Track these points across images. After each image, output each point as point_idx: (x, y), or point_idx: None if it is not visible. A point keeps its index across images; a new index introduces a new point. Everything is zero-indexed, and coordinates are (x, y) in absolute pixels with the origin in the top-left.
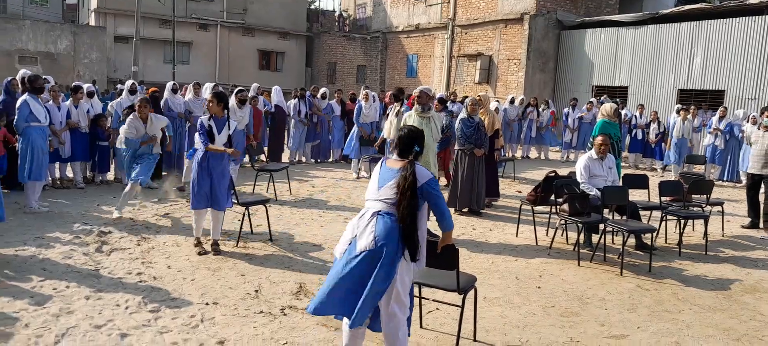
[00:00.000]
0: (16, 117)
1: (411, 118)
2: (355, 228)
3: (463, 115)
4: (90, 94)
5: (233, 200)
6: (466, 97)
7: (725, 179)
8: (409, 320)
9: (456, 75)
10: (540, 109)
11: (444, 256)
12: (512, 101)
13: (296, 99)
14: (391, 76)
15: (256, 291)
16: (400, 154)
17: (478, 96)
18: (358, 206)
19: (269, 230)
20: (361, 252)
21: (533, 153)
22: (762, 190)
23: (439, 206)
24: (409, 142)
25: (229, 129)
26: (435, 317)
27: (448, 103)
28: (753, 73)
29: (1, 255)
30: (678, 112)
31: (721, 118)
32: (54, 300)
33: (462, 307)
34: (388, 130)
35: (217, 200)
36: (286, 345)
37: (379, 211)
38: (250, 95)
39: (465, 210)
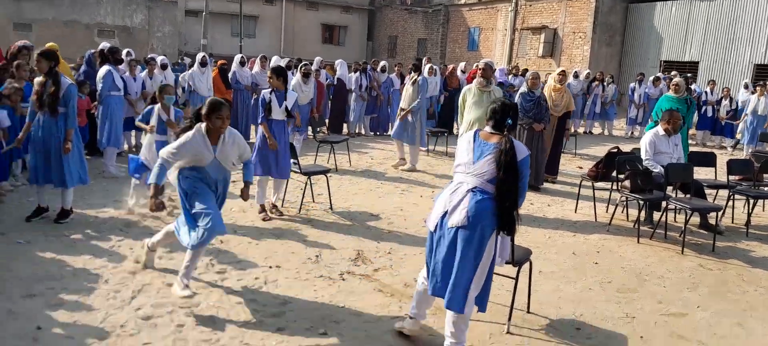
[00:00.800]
0: (100, 86)
1: (470, 92)
2: (447, 203)
3: (523, 89)
4: (163, 66)
5: (296, 170)
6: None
7: None
8: (484, 296)
9: (519, 48)
10: (605, 84)
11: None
12: (576, 76)
13: (357, 72)
14: (452, 50)
15: (317, 256)
16: (494, 127)
17: (561, 71)
18: (414, 179)
19: (330, 199)
20: (453, 228)
21: (597, 129)
22: None
23: (523, 185)
24: (503, 115)
25: (288, 102)
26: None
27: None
28: None
29: (84, 216)
30: (746, 87)
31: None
32: (130, 259)
33: (516, 279)
34: (405, 99)
35: (279, 168)
36: (343, 308)
37: (475, 187)
38: (313, 69)
39: None
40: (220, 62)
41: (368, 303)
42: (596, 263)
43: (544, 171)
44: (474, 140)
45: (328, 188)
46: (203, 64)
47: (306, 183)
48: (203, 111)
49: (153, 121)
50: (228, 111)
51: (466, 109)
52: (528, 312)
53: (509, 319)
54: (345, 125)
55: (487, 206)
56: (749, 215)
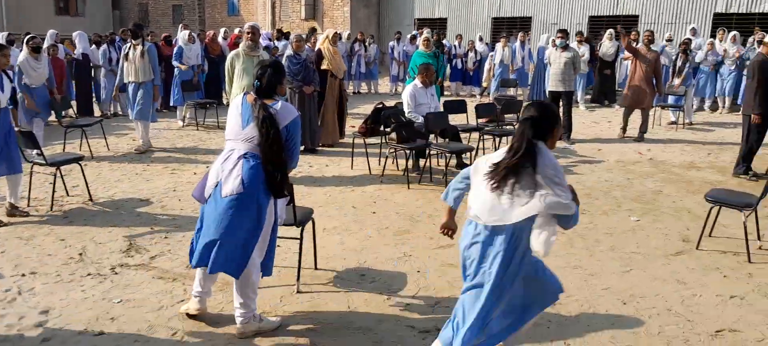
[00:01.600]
0: None
1: (239, 57)
2: (219, 172)
3: (288, 52)
4: None
5: (40, 162)
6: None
7: (535, 98)
8: (269, 261)
9: (281, 12)
10: (367, 44)
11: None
12: (340, 37)
13: (103, 45)
14: (212, 16)
15: (80, 254)
16: (257, 91)
17: (334, 33)
18: (185, 156)
19: (88, 190)
20: (226, 197)
21: (364, 88)
22: (561, 105)
23: (294, 148)
24: (263, 77)
25: (12, 82)
26: (277, 253)
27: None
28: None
29: None
30: (480, 39)
31: (522, 43)
32: None
33: (301, 239)
34: (129, 72)
35: (7, 162)
36: (120, 303)
37: (246, 153)
38: (46, 44)
39: (301, 149)
40: None
41: (148, 293)
42: (374, 213)
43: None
44: (242, 105)
45: (85, 178)
46: None
47: (55, 175)
48: None
49: None
50: None
51: (235, 76)
52: (316, 269)
53: (298, 278)
54: (96, 106)
55: (261, 171)
56: (497, 150)
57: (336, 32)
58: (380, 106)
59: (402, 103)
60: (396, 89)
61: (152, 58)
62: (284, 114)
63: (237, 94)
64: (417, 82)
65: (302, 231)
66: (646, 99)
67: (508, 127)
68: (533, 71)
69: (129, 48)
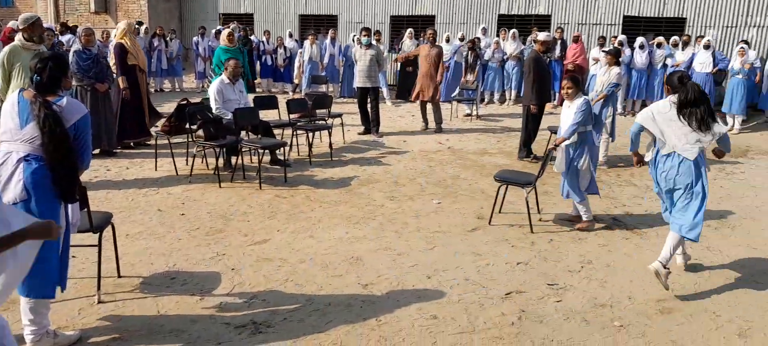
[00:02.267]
0: None
1: (15, 52)
2: None
3: (76, 47)
4: None
5: None
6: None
7: (346, 95)
8: (64, 272)
9: (66, 4)
10: (168, 39)
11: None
12: (138, 33)
13: None
14: None
15: None
16: (37, 87)
17: (137, 22)
18: None
19: None
20: (8, 206)
21: (167, 86)
22: (369, 100)
23: (85, 148)
24: (35, 70)
25: None
26: (72, 264)
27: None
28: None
29: None
30: (290, 36)
31: (332, 40)
32: None
33: (99, 246)
34: None
35: None
36: None
37: (28, 155)
38: None
39: (96, 152)
40: None
41: None
42: (183, 215)
43: (136, 136)
44: (19, 103)
45: None
46: None
47: None
48: None
49: None
50: None
51: (13, 72)
52: (119, 277)
53: (98, 288)
54: None
55: (46, 173)
56: (310, 146)
57: (134, 23)
58: (184, 102)
59: (208, 99)
60: (203, 86)
61: None
62: (71, 111)
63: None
64: (224, 77)
65: (100, 237)
66: (431, 92)
67: (320, 122)
68: (343, 68)
69: None
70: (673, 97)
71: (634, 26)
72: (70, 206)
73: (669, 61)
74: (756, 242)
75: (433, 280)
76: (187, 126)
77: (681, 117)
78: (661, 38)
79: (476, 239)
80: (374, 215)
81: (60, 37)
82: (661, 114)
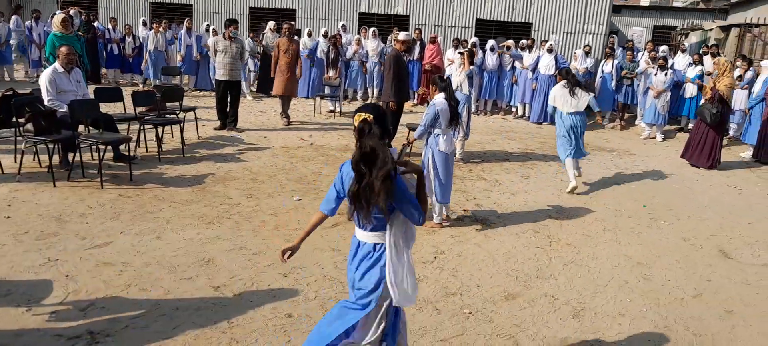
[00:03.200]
0: None
1: None
2: None
3: None
4: None
5: None
6: None
7: (199, 87)
8: None
9: None
10: None
11: None
12: None
13: None
14: None
15: None
16: None
17: None
18: None
19: None
20: None
21: None
22: (229, 95)
23: None
24: None
25: None
26: None
27: None
28: None
29: None
30: (144, 24)
31: (188, 30)
32: None
33: None
34: None
35: None
36: None
37: None
38: None
39: None
40: None
41: None
42: (8, 217)
43: None
44: None
45: None
46: None
47: None
48: None
49: None
50: None
51: None
52: None
53: None
54: None
55: None
56: (160, 141)
57: None
58: (10, 92)
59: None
60: (36, 76)
61: None
62: None
63: None
64: (57, 66)
65: None
66: (294, 87)
67: (170, 116)
68: (200, 60)
69: None
70: (563, 82)
71: (485, 29)
72: None
73: (517, 64)
74: (590, 230)
75: (290, 278)
76: (14, 119)
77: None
78: (510, 42)
79: (335, 235)
80: (229, 214)
81: None
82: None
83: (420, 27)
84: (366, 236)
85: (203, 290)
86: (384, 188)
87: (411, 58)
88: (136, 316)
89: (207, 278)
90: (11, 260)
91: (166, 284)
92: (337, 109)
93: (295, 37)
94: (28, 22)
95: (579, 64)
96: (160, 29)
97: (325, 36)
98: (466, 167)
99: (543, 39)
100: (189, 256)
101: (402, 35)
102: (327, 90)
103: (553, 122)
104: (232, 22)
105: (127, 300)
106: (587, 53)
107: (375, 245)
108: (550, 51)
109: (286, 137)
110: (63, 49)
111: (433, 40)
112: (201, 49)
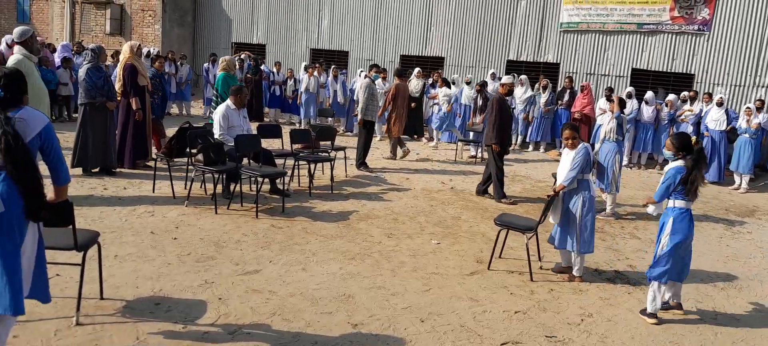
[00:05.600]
0: None
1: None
2: None
3: (89, 64)
4: None
5: None
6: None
7: (351, 130)
8: (45, 287)
9: (82, 24)
10: (178, 64)
11: (58, 213)
12: (148, 55)
13: None
14: None
15: None
16: (1, 102)
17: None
18: None
19: None
20: None
21: (174, 110)
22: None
23: (58, 154)
24: (5, 87)
25: None
26: (55, 283)
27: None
28: (371, 37)
29: None
30: (305, 69)
31: (334, 77)
32: None
33: (82, 265)
34: None
35: None
36: None
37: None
38: None
39: (96, 170)
40: None
41: None
42: (175, 239)
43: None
44: None
45: None
46: None
47: None
48: None
49: None
50: None
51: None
52: (102, 299)
53: (78, 309)
54: None
55: (12, 185)
56: (311, 177)
57: (139, 44)
58: (186, 125)
59: (212, 124)
60: (209, 112)
61: None
62: (33, 120)
63: None
64: (229, 103)
65: (84, 256)
66: (399, 127)
67: (322, 154)
68: (348, 103)
69: None
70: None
71: (642, 79)
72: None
73: (686, 114)
74: (763, 304)
75: (427, 324)
76: (188, 150)
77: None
78: (672, 96)
79: (474, 284)
80: (370, 252)
81: (76, 57)
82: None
83: (571, 75)
84: None
85: (342, 326)
86: None
87: (560, 106)
88: None
89: (346, 314)
90: (174, 279)
91: (307, 316)
92: (479, 154)
93: (405, 80)
94: (205, 64)
95: (753, 120)
96: (314, 73)
97: (467, 83)
98: (617, 224)
99: (706, 91)
100: (330, 290)
101: (505, 79)
102: (471, 136)
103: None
104: (373, 67)
105: (271, 329)
106: (759, 109)
107: None
108: (719, 104)
109: (427, 180)
110: (236, 88)
111: (584, 89)
112: (350, 92)
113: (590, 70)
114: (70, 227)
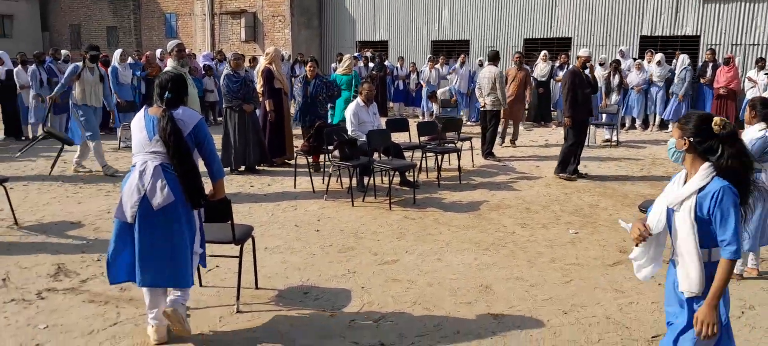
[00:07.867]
0: None
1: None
2: (140, 186)
3: (227, 70)
4: None
5: None
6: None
7: (473, 119)
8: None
9: (221, 34)
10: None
11: (217, 209)
12: (282, 58)
13: (32, 66)
14: (149, 38)
15: (3, 280)
16: (167, 103)
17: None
18: (119, 178)
19: (12, 213)
20: (160, 209)
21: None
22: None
23: (211, 149)
24: (162, 89)
25: None
26: (215, 273)
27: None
28: (492, 23)
29: None
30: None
31: (462, 64)
32: None
33: (240, 257)
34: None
35: None
36: (46, 328)
37: (162, 163)
38: None
39: (241, 169)
40: None
41: (78, 317)
42: (317, 231)
43: (274, 154)
44: (145, 118)
45: (9, 201)
46: None
47: None
48: None
49: None
50: None
51: None
52: (257, 288)
53: (237, 298)
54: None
55: (177, 179)
56: (439, 168)
57: (279, 51)
58: (322, 123)
59: (345, 121)
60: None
61: (107, 82)
62: (188, 118)
63: None
64: (359, 100)
65: (241, 249)
66: (516, 112)
67: (449, 145)
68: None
69: (82, 70)
70: None
71: None
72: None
73: None
74: None
75: (570, 316)
76: (324, 146)
77: None
78: None
79: (618, 275)
80: (504, 242)
81: (218, 64)
82: None
83: (713, 47)
84: None
85: (483, 316)
86: None
87: (704, 82)
88: (421, 334)
89: (486, 304)
90: (319, 269)
91: (447, 306)
92: (615, 138)
93: (524, 66)
94: (332, 64)
95: None
96: (435, 65)
97: (601, 64)
98: None
99: None
100: (468, 280)
101: (582, 52)
102: (604, 118)
103: None
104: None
105: (413, 317)
106: None
107: None
108: None
109: None
110: (365, 85)
111: (728, 62)
112: (471, 84)
113: (736, 41)
114: (229, 222)
